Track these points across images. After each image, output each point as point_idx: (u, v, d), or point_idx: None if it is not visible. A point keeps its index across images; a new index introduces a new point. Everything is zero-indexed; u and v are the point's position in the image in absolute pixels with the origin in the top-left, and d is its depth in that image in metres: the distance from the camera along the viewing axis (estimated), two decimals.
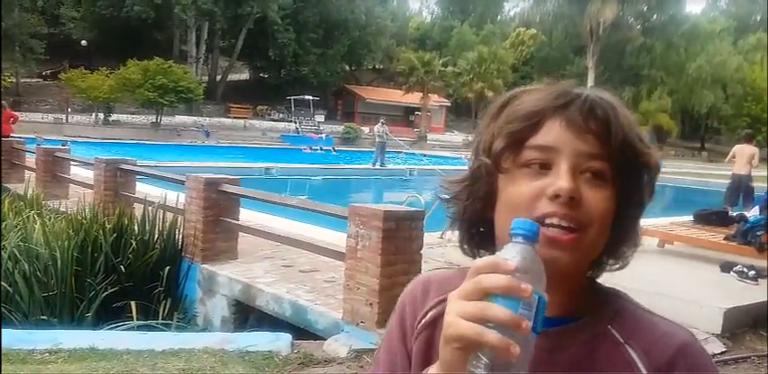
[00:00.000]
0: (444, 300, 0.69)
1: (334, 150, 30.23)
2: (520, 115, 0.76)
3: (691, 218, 7.66)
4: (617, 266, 0.83)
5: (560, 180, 0.72)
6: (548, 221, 0.72)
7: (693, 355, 0.78)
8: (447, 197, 0.84)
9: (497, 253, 0.66)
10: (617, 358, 0.77)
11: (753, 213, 7.09)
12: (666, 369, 0.76)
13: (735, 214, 7.43)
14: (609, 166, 0.74)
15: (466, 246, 0.84)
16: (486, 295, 0.62)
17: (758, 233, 6.18)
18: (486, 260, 0.64)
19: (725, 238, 6.61)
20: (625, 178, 0.76)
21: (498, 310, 0.61)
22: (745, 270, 5.81)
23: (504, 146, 0.77)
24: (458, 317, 0.62)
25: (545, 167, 0.74)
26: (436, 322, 0.74)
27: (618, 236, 0.79)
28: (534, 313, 0.62)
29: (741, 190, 12.11)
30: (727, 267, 6.04)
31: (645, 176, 0.78)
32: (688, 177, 24.84)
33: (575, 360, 0.77)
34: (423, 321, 0.84)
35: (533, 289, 0.62)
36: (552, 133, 0.75)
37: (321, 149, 30.42)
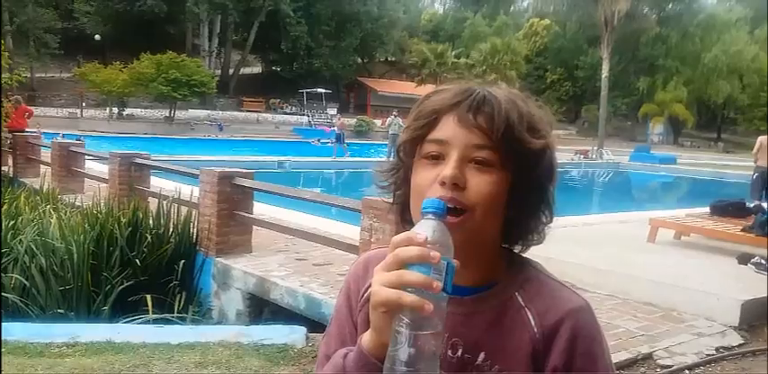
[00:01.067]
0: None
1: (346, 144, 29.98)
2: (423, 113, 0.88)
3: (707, 209, 7.60)
4: (536, 240, 0.92)
5: (446, 168, 0.83)
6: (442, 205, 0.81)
7: (580, 320, 0.87)
8: (383, 185, 0.96)
9: (412, 228, 0.78)
10: (518, 320, 0.88)
11: None
12: (552, 329, 0.86)
13: (752, 205, 7.35)
14: (496, 155, 0.84)
15: (403, 228, 0.92)
16: (403, 265, 0.74)
17: None
18: (401, 235, 0.76)
19: (742, 230, 6.55)
20: (516, 164, 0.85)
21: (412, 275, 0.73)
22: (762, 261, 5.75)
23: (406, 140, 0.90)
24: (381, 286, 0.75)
25: (440, 158, 0.86)
26: None
27: (525, 214, 0.89)
28: (444, 276, 0.74)
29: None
30: (744, 259, 5.98)
31: (536, 161, 0.87)
32: (704, 168, 24.63)
33: (487, 322, 0.89)
34: (364, 295, 0.95)
35: (442, 257, 0.74)
36: (446, 128, 0.86)
37: (332, 142, 30.18)
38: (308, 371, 3.89)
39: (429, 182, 0.85)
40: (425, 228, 0.76)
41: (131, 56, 33.25)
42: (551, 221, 0.92)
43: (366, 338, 0.82)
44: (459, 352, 0.88)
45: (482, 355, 0.88)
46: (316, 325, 4.77)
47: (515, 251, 0.93)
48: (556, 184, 0.92)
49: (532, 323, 0.87)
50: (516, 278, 0.91)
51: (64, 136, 15.42)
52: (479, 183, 0.84)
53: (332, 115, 40.87)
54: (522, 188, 0.86)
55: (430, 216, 0.77)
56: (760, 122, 43.32)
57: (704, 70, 46.36)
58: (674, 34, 47.02)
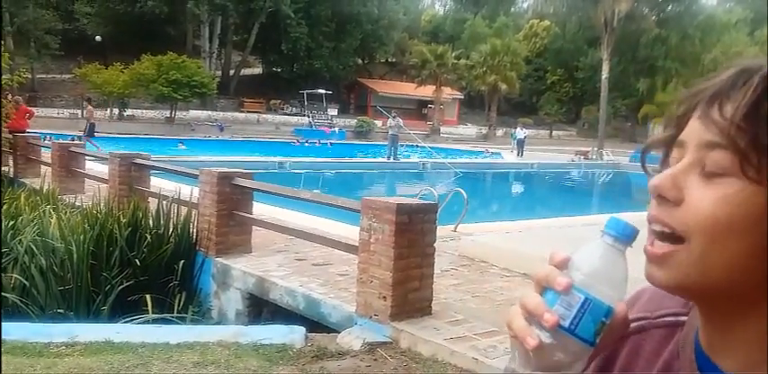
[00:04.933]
0: (638, 319, 0.70)
1: (330, 144, 30.06)
2: (678, 109, 0.64)
3: None
4: None
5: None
6: (650, 227, 0.60)
7: None
8: None
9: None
10: None
11: None
12: None
13: None
14: (734, 158, 0.54)
15: None
16: (539, 286, 0.59)
17: None
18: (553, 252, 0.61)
19: None
20: None
21: (528, 298, 0.58)
22: None
23: (652, 145, 0.67)
24: (515, 305, 0.60)
25: None
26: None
27: None
28: (574, 312, 0.57)
29: None
30: None
31: None
32: None
33: None
34: None
35: (578, 287, 0.57)
36: (688, 126, 0.60)
37: (319, 143, 30.18)
38: (306, 372, 3.90)
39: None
40: (586, 249, 0.60)
41: (132, 57, 33.28)
42: None
43: None
44: None
45: None
46: (315, 326, 4.78)
47: None
48: None
49: None
50: None
51: (52, 137, 15.41)
52: (702, 199, 0.55)
53: (333, 116, 40.94)
54: None
55: (606, 238, 0.60)
56: None
57: (704, 71, 46.06)
58: (674, 35, 47.06)
